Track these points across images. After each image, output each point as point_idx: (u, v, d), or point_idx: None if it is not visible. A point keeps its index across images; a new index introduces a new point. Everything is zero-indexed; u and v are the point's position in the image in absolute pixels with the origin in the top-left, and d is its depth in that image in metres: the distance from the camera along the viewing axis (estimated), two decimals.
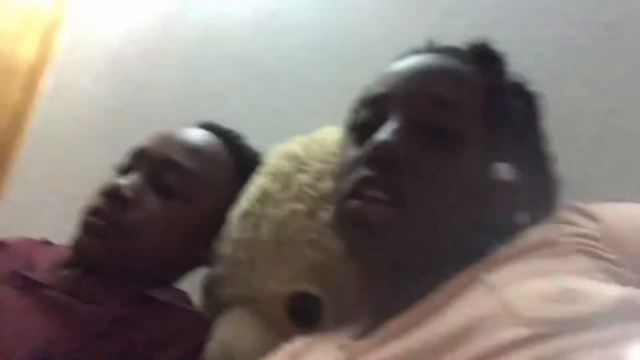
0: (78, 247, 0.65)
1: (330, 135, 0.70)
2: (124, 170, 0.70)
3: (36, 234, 0.79)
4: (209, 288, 0.70)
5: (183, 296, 0.72)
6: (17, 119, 1.40)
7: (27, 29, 1.41)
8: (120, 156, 0.73)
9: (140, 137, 0.74)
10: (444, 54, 0.57)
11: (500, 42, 0.59)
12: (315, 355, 0.50)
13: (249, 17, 1.11)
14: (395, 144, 0.48)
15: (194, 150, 0.71)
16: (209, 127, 0.77)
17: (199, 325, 0.66)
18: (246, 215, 0.66)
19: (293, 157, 0.68)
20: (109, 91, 1.27)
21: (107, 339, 0.59)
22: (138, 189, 0.67)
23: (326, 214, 0.62)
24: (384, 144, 0.48)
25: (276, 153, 0.71)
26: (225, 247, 0.67)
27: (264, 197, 0.66)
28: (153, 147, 0.71)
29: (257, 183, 0.69)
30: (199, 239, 0.70)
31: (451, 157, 0.50)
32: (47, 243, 0.77)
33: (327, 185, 0.63)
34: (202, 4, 1.19)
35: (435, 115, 0.51)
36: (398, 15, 0.93)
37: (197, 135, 0.74)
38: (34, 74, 1.42)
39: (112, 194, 0.65)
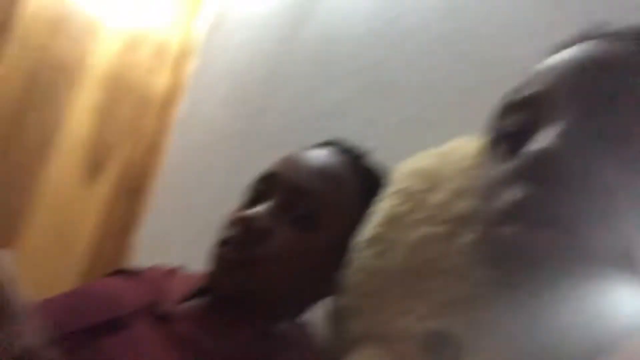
0: (212, 279, 0.64)
1: (465, 147, 0.61)
2: (254, 197, 0.68)
3: (170, 261, 0.80)
4: (335, 322, 0.64)
5: (307, 332, 0.67)
6: (153, 148, 1.48)
7: (159, 60, 1.49)
8: (245, 180, 0.71)
9: (264, 159, 0.71)
10: (608, 39, 0.45)
11: None
12: None
13: (367, 24, 1.06)
14: (560, 150, 0.39)
15: (325, 176, 0.67)
16: (335, 145, 0.72)
17: None
18: (372, 241, 0.60)
19: (424, 175, 0.60)
20: (232, 116, 1.29)
21: None
22: (271, 220, 0.63)
23: (467, 238, 0.53)
24: (546, 153, 0.39)
25: (404, 171, 0.63)
26: (350, 277, 0.61)
27: (392, 221, 0.59)
28: (284, 173, 0.67)
29: (384, 205, 0.62)
30: (327, 269, 0.65)
31: (628, 161, 0.38)
32: (180, 270, 0.78)
33: (466, 204, 0.54)
34: (318, 20, 1.17)
35: (607, 112, 0.40)
36: (538, 12, 0.81)
37: (326, 159, 0.69)
38: (167, 103, 1.49)
39: (244, 225, 0.63)
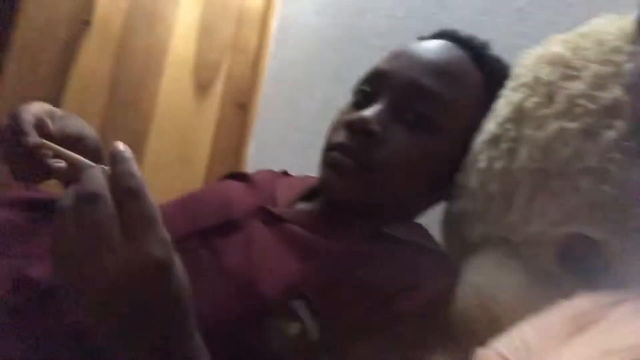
0: (326, 186, 0.61)
1: (609, 25, 0.53)
2: (363, 99, 0.63)
3: (279, 168, 0.80)
4: (453, 225, 0.61)
5: (424, 233, 0.64)
6: (255, 64, 1.48)
7: None
8: (348, 87, 0.67)
9: (365, 64, 0.66)
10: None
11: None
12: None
13: None
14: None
15: (442, 72, 0.60)
16: (449, 37, 0.65)
17: (446, 266, 0.58)
18: (496, 140, 0.54)
19: (557, 61, 0.52)
20: (330, 21, 1.24)
21: (349, 276, 0.55)
22: (385, 122, 0.59)
23: (612, 134, 0.46)
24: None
25: (532, 59, 0.56)
26: (471, 179, 0.57)
27: (520, 116, 0.53)
28: (396, 70, 0.61)
29: (508, 99, 0.55)
30: (446, 172, 0.61)
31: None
32: (287, 174, 0.78)
33: (611, 93, 0.47)
34: None
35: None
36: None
37: (442, 52, 0.62)
38: (264, 18, 1.47)
39: (358, 129, 0.58)
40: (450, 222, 0.63)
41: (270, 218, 0.61)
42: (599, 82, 0.49)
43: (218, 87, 1.42)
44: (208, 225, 0.61)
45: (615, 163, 0.46)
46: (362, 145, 0.58)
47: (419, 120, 0.59)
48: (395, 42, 0.68)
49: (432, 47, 0.63)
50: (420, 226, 0.65)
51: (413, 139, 0.59)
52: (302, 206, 0.66)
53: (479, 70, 0.62)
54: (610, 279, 0.46)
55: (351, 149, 0.58)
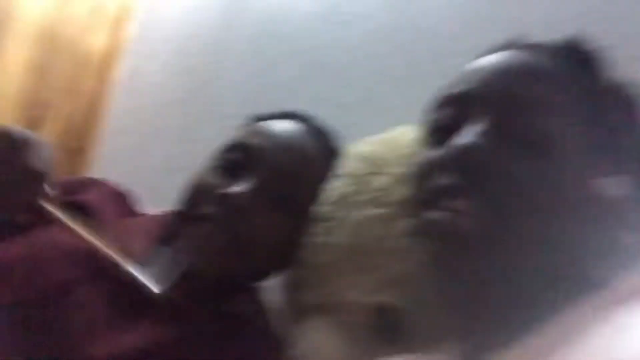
0: (195, 266, 0.62)
1: (405, 135, 0.68)
2: (224, 166, 0.66)
3: None
4: (291, 291, 0.70)
5: (260, 304, 0.71)
6: (93, 107, 1.45)
7: (97, 18, 1.44)
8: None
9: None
10: (531, 50, 0.52)
11: (590, 36, 0.54)
12: None
13: (312, 7, 1.08)
14: (479, 146, 0.44)
15: (306, 159, 0.67)
16: (304, 121, 0.72)
17: (273, 347, 0.65)
18: (325, 219, 0.65)
19: (368, 159, 0.66)
20: (176, 83, 1.28)
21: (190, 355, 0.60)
22: (253, 200, 0.62)
23: (405, 221, 0.60)
24: (466, 147, 0.44)
25: (352, 154, 0.69)
26: (304, 251, 0.66)
27: (341, 200, 0.65)
28: (265, 151, 0.65)
29: (335, 185, 0.67)
30: (294, 246, 0.68)
31: (543, 163, 0.44)
32: (133, 211, 0.77)
33: (405, 189, 0.61)
34: None
35: (525, 118, 0.46)
36: (473, 5, 0.87)
37: (303, 139, 0.69)
38: (106, 62, 1.46)
39: (230, 204, 0.61)
40: (287, 291, 0.71)
41: (110, 281, 0.62)
42: (396, 180, 0.62)
43: (51, 129, 1.37)
44: (47, 287, 0.61)
45: (407, 245, 0.58)
46: (233, 221, 0.61)
47: (282, 200, 0.65)
48: (239, 115, 0.77)
49: (293, 132, 0.69)
50: (258, 294, 0.72)
51: (276, 217, 0.64)
52: (156, 262, 0.67)
53: (329, 158, 0.70)
54: (408, 341, 0.57)
55: (221, 223, 0.61)
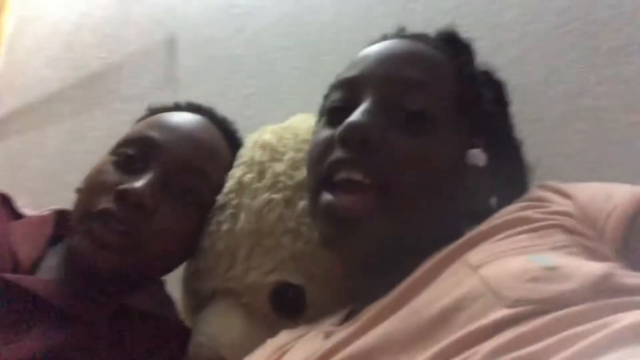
0: (94, 264, 0.59)
1: (303, 123, 0.71)
2: (124, 161, 0.64)
3: None
4: (190, 282, 0.70)
5: (163, 295, 0.70)
6: None
7: None
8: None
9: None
10: (414, 39, 0.58)
11: (462, 28, 0.61)
12: (302, 347, 0.50)
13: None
14: (368, 124, 0.49)
15: (210, 152, 0.68)
16: (205, 114, 0.72)
17: (179, 334, 0.66)
18: (223, 207, 0.66)
19: (267, 147, 0.68)
20: (64, 78, 1.22)
21: (90, 354, 0.58)
22: (157, 195, 0.62)
23: (303, 203, 0.62)
24: (357, 124, 0.49)
25: (250, 143, 0.70)
26: (204, 240, 0.67)
27: (240, 187, 0.66)
28: (166, 144, 0.65)
29: (232, 174, 0.68)
30: (195, 237, 0.68)
31: (424, 138, 0.50)
32: (16, 212, 0.73)
33: (302, 173, 0.64)
34: None
35: (407, 97, 0.51)
36: (364, 5, 0.92)
37: (207, 132, 0.69)
38: None
39: (130, 201, 0.60)
40: (187, 280, 0.71)
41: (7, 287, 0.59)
42: (295, 164, 0.65)
43: None
44: None
45: (307, 225, 0.62)
46: (135, 219, 0.60)
47: (186, 193, 0.65)
48: (137, 109, 0.75)
49: (196, 125, 0.69)
50: (160, 287, 0.71)
51: (180, 211, 0.64)
52: (48, 263, 0.65)
53: (232, 149, 0.71)
54: (308, 316, 0.60)
55: (122, 222, 0.60)
